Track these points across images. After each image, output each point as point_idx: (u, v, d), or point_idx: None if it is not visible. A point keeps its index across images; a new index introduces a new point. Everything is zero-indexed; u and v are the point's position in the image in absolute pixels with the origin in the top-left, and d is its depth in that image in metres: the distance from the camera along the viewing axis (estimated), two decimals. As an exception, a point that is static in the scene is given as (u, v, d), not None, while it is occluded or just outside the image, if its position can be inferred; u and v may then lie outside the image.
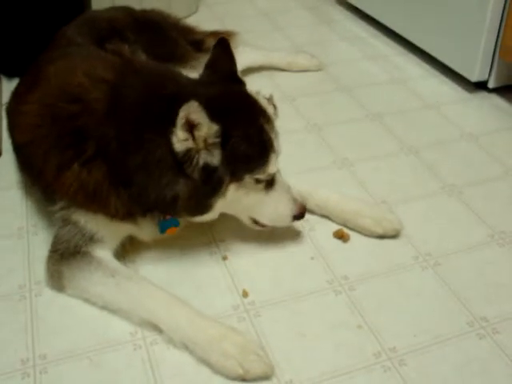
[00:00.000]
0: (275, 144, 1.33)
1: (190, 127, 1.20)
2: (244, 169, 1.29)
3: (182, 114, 1.18)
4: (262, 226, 1.43)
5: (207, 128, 1.20)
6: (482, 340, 1.26)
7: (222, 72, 1.38)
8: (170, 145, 1.22)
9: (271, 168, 1.32)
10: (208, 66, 1.41)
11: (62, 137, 1.33)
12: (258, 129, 1.30)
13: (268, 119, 1.34)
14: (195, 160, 1.23)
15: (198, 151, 1.23)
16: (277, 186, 1.37)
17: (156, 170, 1.25)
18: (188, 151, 1.22)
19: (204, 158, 1.23)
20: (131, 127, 1.27)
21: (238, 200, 1.33)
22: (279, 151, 1.35)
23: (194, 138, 1.22)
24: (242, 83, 1.41)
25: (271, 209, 1.39)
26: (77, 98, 1.34)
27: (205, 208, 1.31)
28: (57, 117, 1.34)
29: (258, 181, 1.32)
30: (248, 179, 1.30)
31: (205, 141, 1.22)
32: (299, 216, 1.41)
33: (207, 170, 1.24)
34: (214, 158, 1.24)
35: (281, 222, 1.43)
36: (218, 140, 1.23)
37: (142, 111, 1.28)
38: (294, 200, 1.40)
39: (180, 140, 1.21)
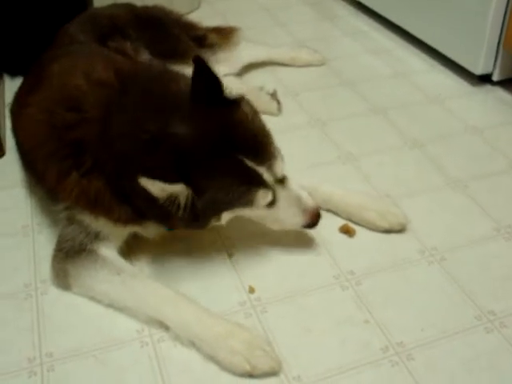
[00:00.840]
0: (265, 177, 1.23)
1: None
2: (230, 207, 1.25)
3: (143, 184, 1.12)
4: None
5: (172, 189, 1.15)
6: (489, 334, 1.25)
7: (207, 96, 1.20)
8: None
9: (260, 203, 1.26)
10: (194, 91, 1.21)
11: (60, 147, 1.32)
12: (239, 171, 1.20)
13: (256, 149, 1.22)
14: (176, 203, 1.17)
15: (176, 196, 1.16)
16: (280, 202, 1.29)
17: (147, 202, 1.21)
18: (166, 197, 1.16)
19: (183, 202, 1.17)
20: (121, 158, 1.24)
21: (236, 215, 1.30)
22: (278, 172, 1.26)
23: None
24: (231, 103, 1.23)
25: (277, 222, 1.35)
26: (74, 105, 1.32)
27: (203, 227, 1.29)
28: (55, 126, 1.33)
29: None
30: (238, 211, 1.27)
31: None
32: (310, 225, 1.35)
33: (190, 209, 1.19)
34: (194, 205, 1.19)
35: (290, 228, 1.39)
36: (190, 193, 1.17)
37: (129, 147, 1.22)
38: (304, 211, 1.32)
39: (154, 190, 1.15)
